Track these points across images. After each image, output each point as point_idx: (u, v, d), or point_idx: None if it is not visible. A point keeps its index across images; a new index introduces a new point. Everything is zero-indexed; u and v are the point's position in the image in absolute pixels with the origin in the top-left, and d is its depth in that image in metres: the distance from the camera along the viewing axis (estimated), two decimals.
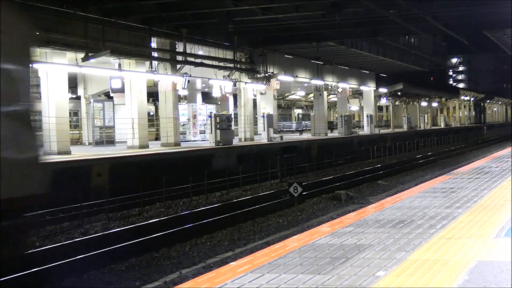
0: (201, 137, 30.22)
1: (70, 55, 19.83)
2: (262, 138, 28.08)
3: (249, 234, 12.78)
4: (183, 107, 30.57)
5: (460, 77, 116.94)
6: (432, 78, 70.97)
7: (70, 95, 25.55)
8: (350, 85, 41.87)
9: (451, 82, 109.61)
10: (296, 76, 33.77)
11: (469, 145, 48.23)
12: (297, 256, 4.97)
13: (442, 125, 62.35)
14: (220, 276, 4.37)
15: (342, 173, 24.38)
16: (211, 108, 31.34)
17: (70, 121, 24.44)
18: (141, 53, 22.15)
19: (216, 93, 28.17)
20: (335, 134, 38.63)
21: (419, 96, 58.60)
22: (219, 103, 33.13)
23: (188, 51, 24.01)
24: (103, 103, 27.16)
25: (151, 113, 32.43)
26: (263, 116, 28.78)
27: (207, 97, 35.86)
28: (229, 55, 26.86)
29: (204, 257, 10.67)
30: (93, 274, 9.42)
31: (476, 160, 19.17)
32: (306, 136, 37.52)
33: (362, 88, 45.28)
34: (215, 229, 12.95)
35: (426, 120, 56.65)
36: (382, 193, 19.39)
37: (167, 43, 23.84)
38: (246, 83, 28.80)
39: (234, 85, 27.76)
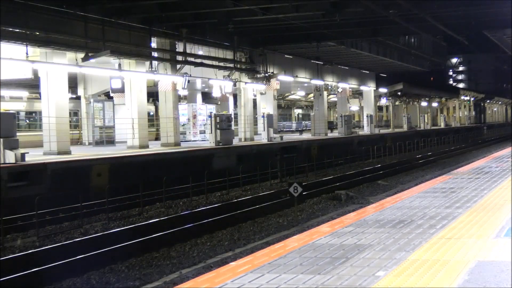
0: (201, 137, 30.23)
1: (70, 55, 19.82)
2: (262, 138, 28.08)
3: (249, 234, 12.79)
4: (183, 107, 30.57)
5: (460, 77, 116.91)
6: (432, 78, 71.00)
7: (70, 95, 25.53)
8: (350, 85, 41.88)
9: (451, 82, 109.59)
10: (296, 76, 33.77)
11: (469, 145, 48.24)
12: (297, 256, 4.97)
13: (442, 125, 62.37)
14: (220, 276, 4.37)
15: (342, 173, 24.39)
16: (211, 108, 31.34)
17: (70, 121, 24.42)
18: (141, 53, 22.14)
19: (216, 93, 28.17)
20: (335, 134, 38.63)
21: (419, 96, 58.60)
22: (219, 103, 33.14)
23: (188, 51, 24.01)
24: (103, 103, 27.17)
25: (151, 113, 32.44)
26: (263, 116, 28.78)
27: (207, 97, 35.87)
28: (229, 55, 26.86)
29: (204, 257, 10.67)
30: (93, 274, 9.43)
31: (476, 160, 19.18)
32: (306, 136, 37.51)
33: (362, 88, 45.28)
34: (215, 229, 12.96)
35: (426, 120, 56.65)
36: (382, 193, 19.40)
37: (167, 43, 23.83)
38: (246, 83, 28.80)
39: (234, 85, 27.76)
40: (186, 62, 24.07)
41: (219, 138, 23.45)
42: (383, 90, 48.90)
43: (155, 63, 22.89)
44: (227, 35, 25.61)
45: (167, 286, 8.67)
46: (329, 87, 38.57)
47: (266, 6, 20.58)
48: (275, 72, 30.15)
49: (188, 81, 24.21)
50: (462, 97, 73.42)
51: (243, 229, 13.36)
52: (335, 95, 42.86)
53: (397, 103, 56.97)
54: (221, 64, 26.16)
